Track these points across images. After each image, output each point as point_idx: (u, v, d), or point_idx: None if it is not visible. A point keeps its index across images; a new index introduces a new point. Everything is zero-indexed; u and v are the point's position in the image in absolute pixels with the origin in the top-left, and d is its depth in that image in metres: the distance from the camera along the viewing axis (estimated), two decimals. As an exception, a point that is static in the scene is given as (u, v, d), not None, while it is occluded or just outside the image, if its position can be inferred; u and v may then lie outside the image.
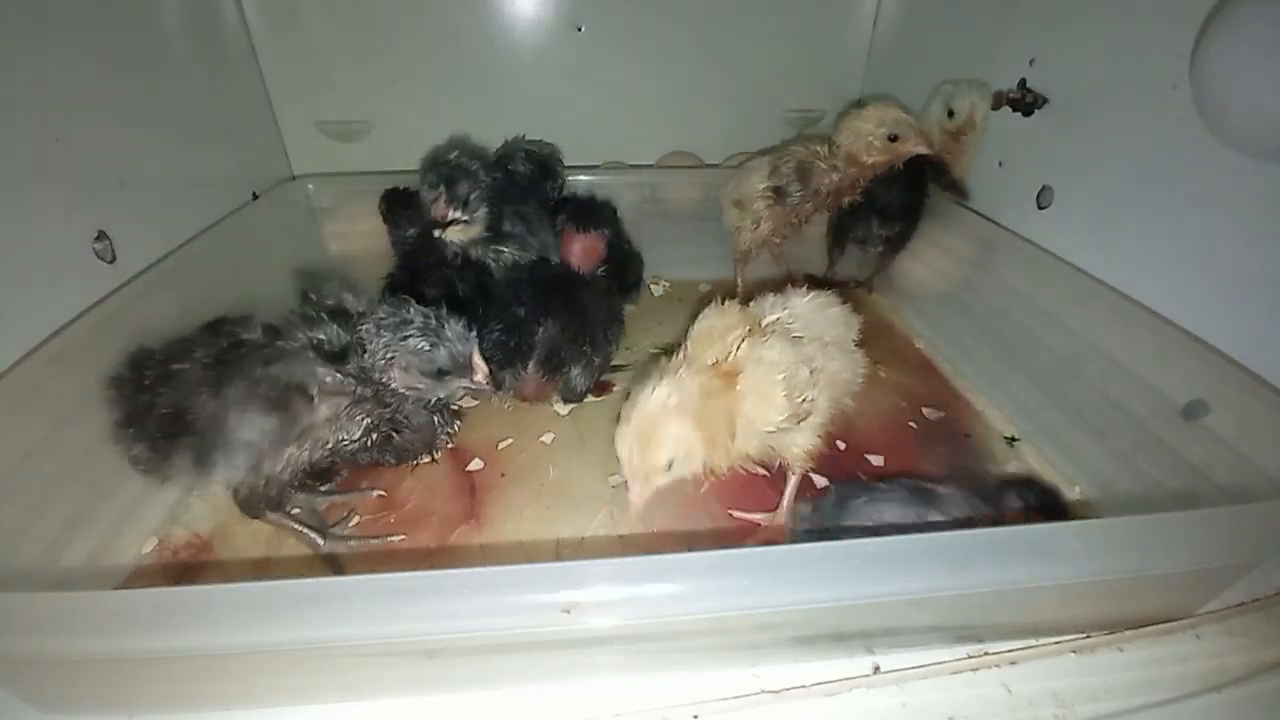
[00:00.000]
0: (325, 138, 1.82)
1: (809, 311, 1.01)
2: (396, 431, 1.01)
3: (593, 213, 1.39)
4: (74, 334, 0.99)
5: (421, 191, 1.36)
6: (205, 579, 0.97)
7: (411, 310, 0.93)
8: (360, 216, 1.67)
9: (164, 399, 0.92)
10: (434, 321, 0.93)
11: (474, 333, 0.97)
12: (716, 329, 0.92)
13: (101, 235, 1.11)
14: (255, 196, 1.60)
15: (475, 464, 1.20)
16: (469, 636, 0.62)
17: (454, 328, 0.94)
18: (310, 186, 1.73)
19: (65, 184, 1.06)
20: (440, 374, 0.94)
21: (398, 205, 1.56)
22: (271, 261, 1.46)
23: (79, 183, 1.09)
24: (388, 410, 0.97)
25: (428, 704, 0.74)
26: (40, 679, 0.70)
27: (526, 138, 1.64)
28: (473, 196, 1.34)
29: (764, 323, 0.96)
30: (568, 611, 0.60)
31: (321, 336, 0.93)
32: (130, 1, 1.25)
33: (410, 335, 0.91)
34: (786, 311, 0.99)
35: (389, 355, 0.91)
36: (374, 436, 0.99)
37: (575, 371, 1.26)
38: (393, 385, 0.94)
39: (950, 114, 1.51)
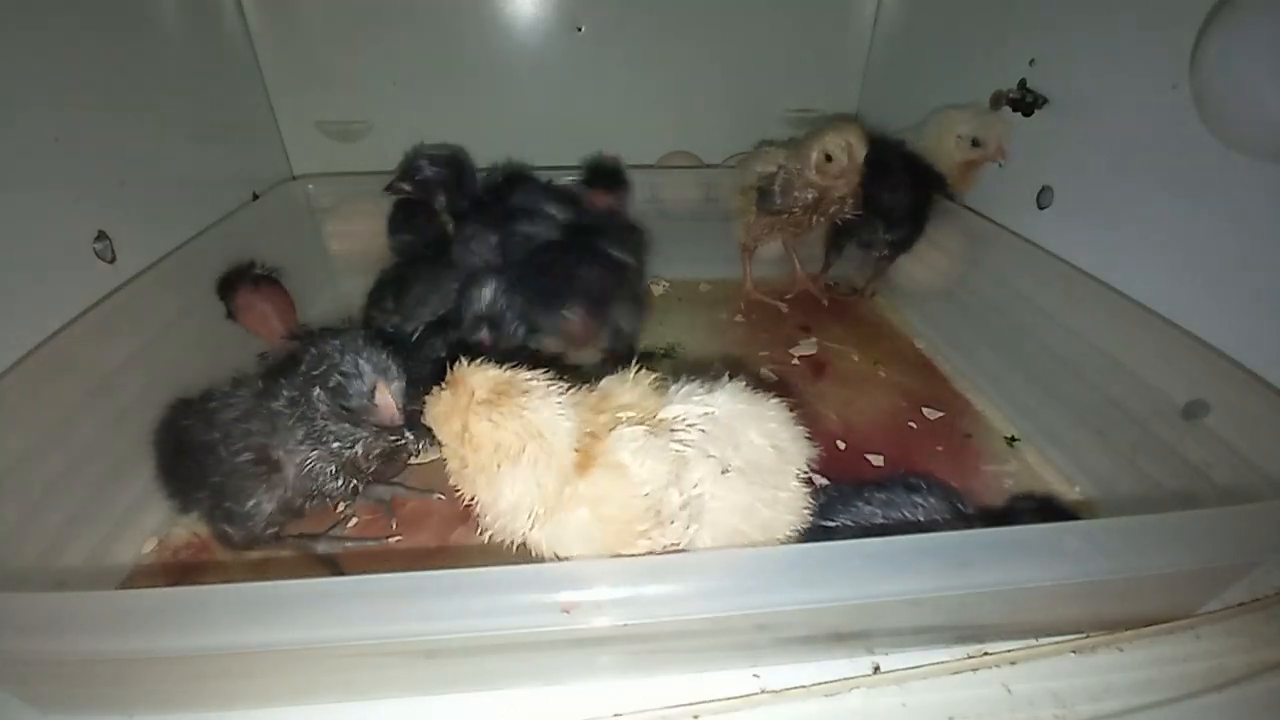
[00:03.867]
0: (325, 138, 1.82)
1: (737, 421, 0.71)
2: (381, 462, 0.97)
3: (613, 174, 1.49)
4: (74, 334, 0.99)
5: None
6: (205, 579, 0.97)
7: (329, 345, 0.85)
8: (360, 216, 1.67)
9: (170, 440, 0.99)
10: (342, 355, 0.83)
11: (392, 367, 0.84)
12: (617, 395, 0.72)
13: (101, 235, 1.11)
14: (255, 196, 1.60)
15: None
16: (469, 636, 0.62)
17: (370, 359, 0.83)
18: (310, 186, 1.73)
19: (65, 184, 1.06)
20: (347, 412, 0.85)
21: (404, 213, 1.58)
22: (271, 262, 1.46)
23: (79, 183, 1.09)
24: (356, 453, 0.91)
25: (428, 704, 0.74)
26: (40, 679, 0.70)
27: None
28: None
29: (664, 415, 0.71)
30: (568, 611, 0.60)
31: (286, 394, 0.88)
32: (130, 1, 1.25)
33: (321, 370, 0.84)
34: (705, 412, 0.71)
35: (315, 393, 0.85)
36: (354, 481, 0.95)
37: (622, 314, 1.28)
38: (330, 427, 0.87)
39: (974, 143, 1.49)
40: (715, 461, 0.69)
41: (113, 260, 1.13)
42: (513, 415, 0.65)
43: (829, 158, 1.41)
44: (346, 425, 0.88)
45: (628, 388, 0.73)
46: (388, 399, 0.83)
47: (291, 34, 1.69)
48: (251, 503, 0.90)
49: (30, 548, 0.85)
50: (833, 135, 1.40)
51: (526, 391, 0.67)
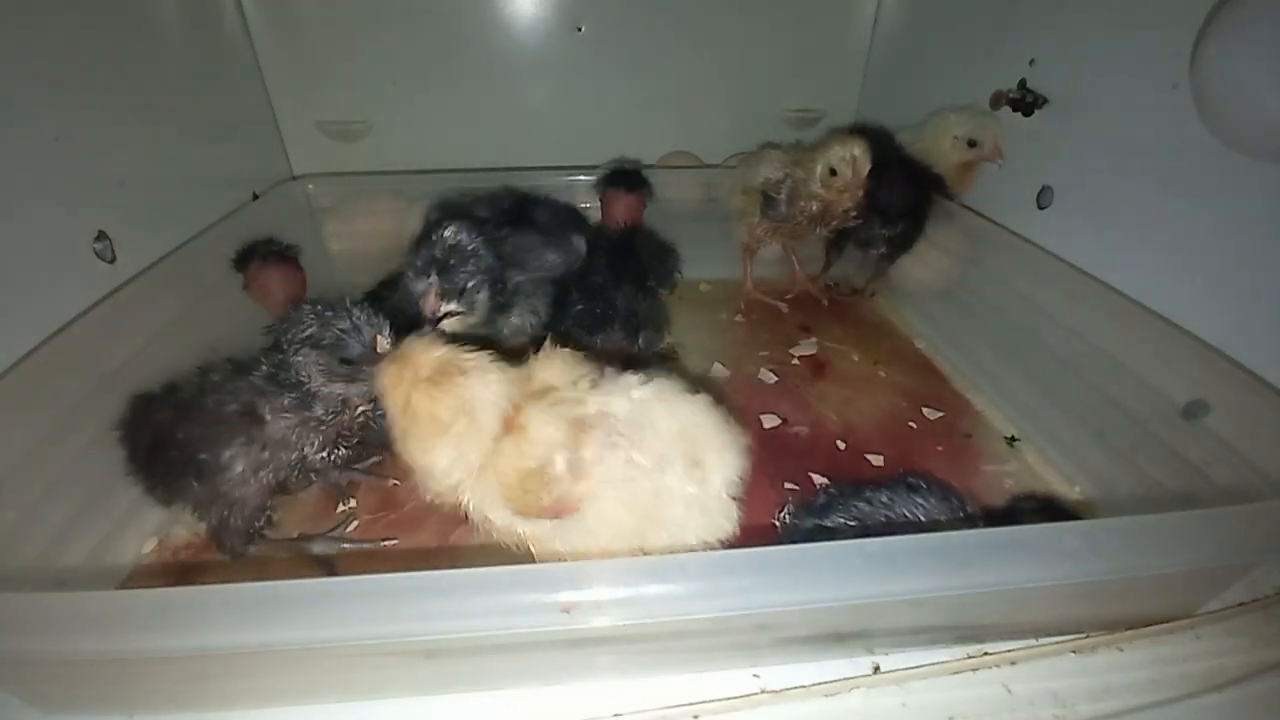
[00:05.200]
0: (325, 138, 1.82)
1: (654, 414, 0.75)
2: (362, 440, 1.00)
3: (631, 175, 1.50)
4: (74, 334, 0.99)
5: (407, 276, 1.14)
6: (205, 579, 0.97)
7: (318, 307, 0.91)
8: (360, 217, 1.67)
9: (148, 427, 0.97)
10: (332, 314, 0.89)
11: (380, 318, 0.91)
12: (540, 372, 0.79)
13: (101, 235, 1.11)
14: (255, 196, 1.60)
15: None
16: (469, 636, 0.62)
17: (357, 316, 0.90)
18: (310, 186, 1.73)
19: (65, 184, 1.06)
20: (347, 364, 0.89)
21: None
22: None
23: (79, 183, 1.09)
24: (343, 419, 0.94)
25: (428, 704, 0.74)
26: (40, 679, 0.70)
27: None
28: (470, 285, 1.13)
29: (588, 400, 0.75)
30: (568, 611, 0.60)
31: (265, 364, 0.92)
32: (130, 2, 1.25)
33: (310, 333, 0.88)
34: (627, 402, 0.76)
35: (302, 358, 0.89)
36: (340, 450, 0.97)
37: (650, 330, 1.31)
38: (322, 390, 0.91)
39: (971, 144, 1.49)
40: (620, 447, 0.73)
41: (113, 260, 1.13)
42: (450, 393, 0.72)
43: (833, 172, 1.41)
44: (338, 385, 0.91)
45: (546, 365, 0.80)
46: (389, 348, 0.89)
47: (291, 34, 1.69)
48: (228, 453, 0.90)
49: (30, 548, 0.85)
50: (837, 149, 1.40)
51: (465, 371, 0.74)
